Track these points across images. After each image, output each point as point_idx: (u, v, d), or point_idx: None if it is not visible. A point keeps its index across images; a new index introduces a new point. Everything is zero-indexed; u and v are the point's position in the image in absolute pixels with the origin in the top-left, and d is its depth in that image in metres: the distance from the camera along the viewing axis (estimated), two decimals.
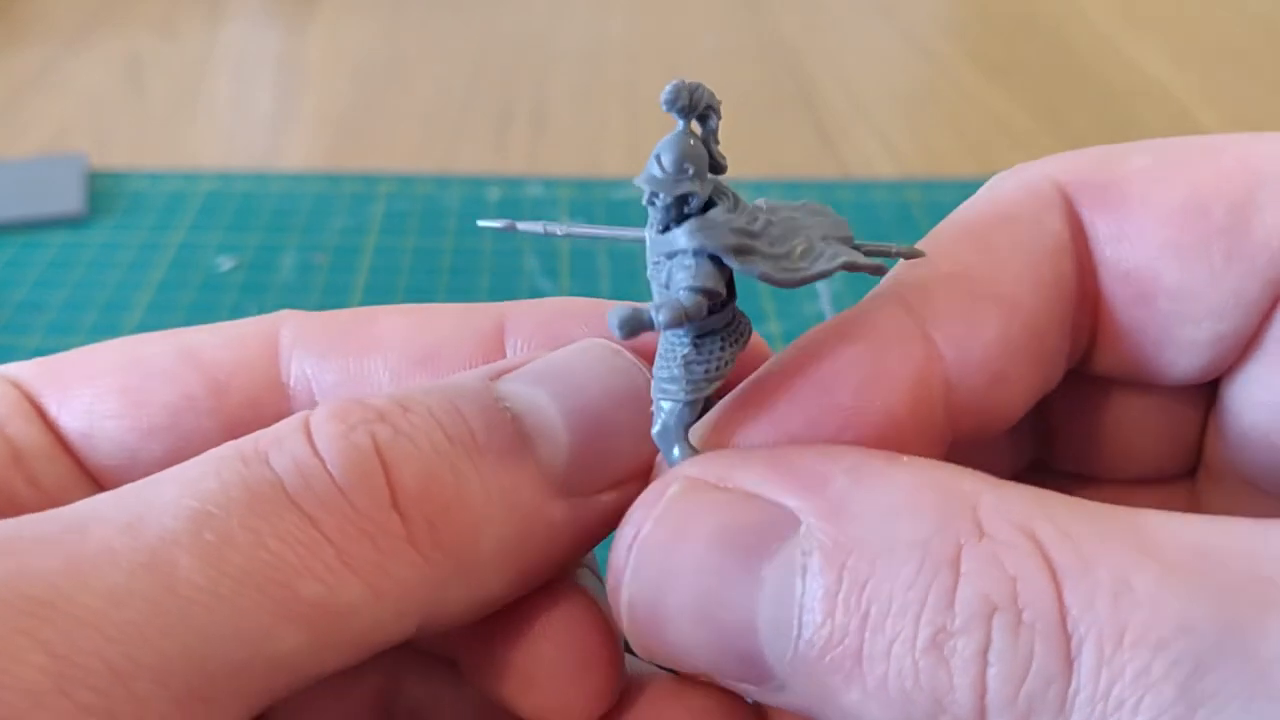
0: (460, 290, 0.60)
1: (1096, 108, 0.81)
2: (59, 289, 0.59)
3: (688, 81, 0.19)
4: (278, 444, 0.18)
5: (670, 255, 0.19)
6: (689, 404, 0.20)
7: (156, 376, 0.23)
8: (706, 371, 0.20)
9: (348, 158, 0.73)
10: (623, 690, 0.21)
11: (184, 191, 0.68)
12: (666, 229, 0.19)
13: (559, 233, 0.21)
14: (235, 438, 0.22)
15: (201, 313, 0.57)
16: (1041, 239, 0.22)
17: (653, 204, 0.19)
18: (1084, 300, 0.23)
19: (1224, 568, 0.16)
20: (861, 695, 0.17)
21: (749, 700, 0.20)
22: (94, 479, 0.23)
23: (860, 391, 0.20)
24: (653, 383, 0.20)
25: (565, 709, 0.20)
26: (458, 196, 0.68)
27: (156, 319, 0.57)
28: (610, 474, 0.21)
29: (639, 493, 0.21)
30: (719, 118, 0.19)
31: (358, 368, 0.23)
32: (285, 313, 0.24)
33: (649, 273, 0.20)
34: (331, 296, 0.59)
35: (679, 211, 0.19)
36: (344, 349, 0.23)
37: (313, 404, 0.23)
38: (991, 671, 0.16)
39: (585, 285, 0.60)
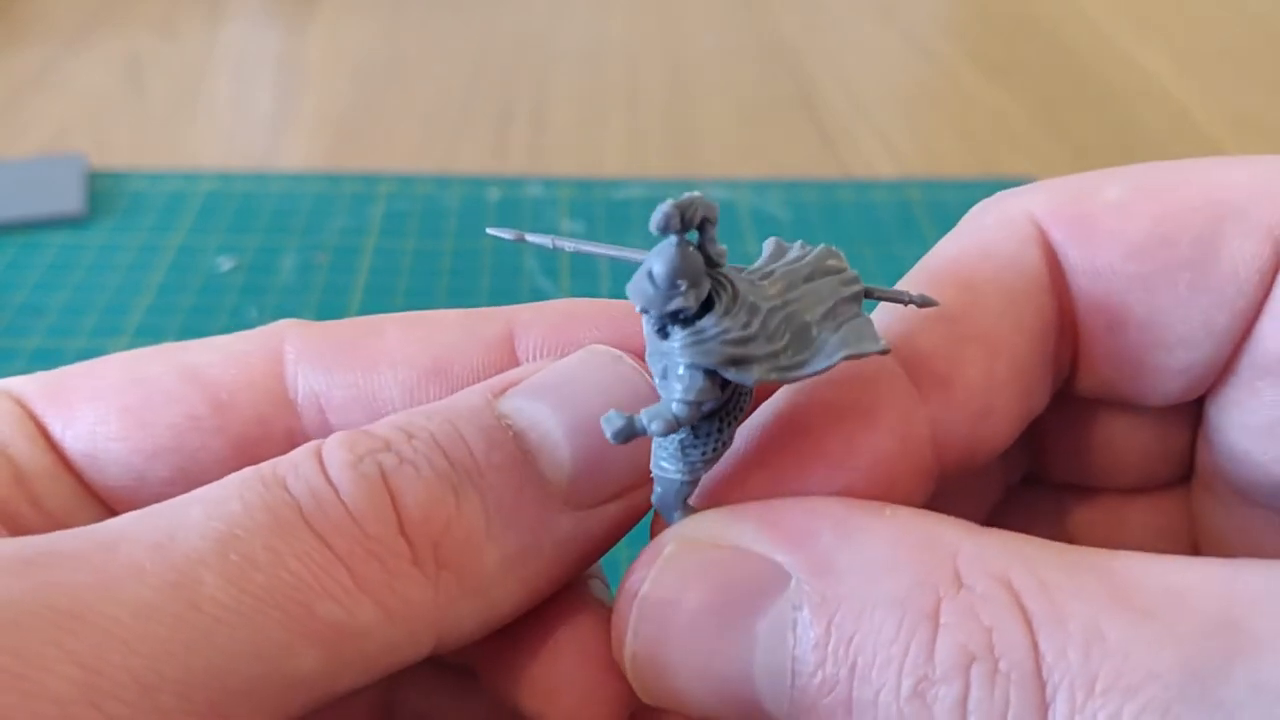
0: (461, 290, 0.60)
1: (1096, 108, 0.81)
2: (59, 289, 0.59)
3: (680, 200, 0.18)
4: (294, 470, 0.19)
5: (667, 353, 0.19)
6: (686, 482, 0.20)
7: (159, 397, 0.23)
8: (704, 454, 0.20)
9: (348, 158, 0.73)
10: None
11: (184, 192, 0.68)
12: (662, 330, 0.19)
13: (567, 248, 0.21)
14: (243, 455, 0.22)
15: (201, 314, 0.57)
16: (1021, 276, 0.23)
17: (646, 313, 0.18)
18: (1064, 330, 0.23)
19: (1194, 611, 0.16)
20: None
21: None
22: (100, 500, 0.23)
23: (848, 440, 0.21)
24: (651, 456, 0.20)
25: (589, 717, 0.21)
26: (458, 197, 0.68)
27: (156, 320, 0.57)
28: (614, 484, 0.21)
29: (644, 501, 0.21)
30: (714, 224, 0.18)
31: (367, 383, 0.23)
32: (286, 324, 0.24)
33: (646, 356, 0.20)
34: (331, 297, 0.59)
35: (673, 318, 0.18)
36: (351, 364, 0.23)
37: (323, 420, 0.23)
38: (971, 718, 0.17)
39: (585, 286, 0.60)
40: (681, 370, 0.18)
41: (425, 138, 0.76)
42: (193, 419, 0.23)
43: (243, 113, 0.79)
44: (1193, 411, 0.25)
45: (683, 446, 0.20)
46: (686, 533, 0.20)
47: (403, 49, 0.89)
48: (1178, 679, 0.16)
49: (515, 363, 0.23)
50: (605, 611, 0.21)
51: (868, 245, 0.63)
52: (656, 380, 0.19)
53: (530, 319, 0.23)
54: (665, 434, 0.18)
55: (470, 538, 0.19)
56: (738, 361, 0.18)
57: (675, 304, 0.18)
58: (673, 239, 0.18)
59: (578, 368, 0.22)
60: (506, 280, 0.60)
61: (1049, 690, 0.16)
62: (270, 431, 0.23)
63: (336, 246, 0.63)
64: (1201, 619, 0.16)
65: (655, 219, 0.17)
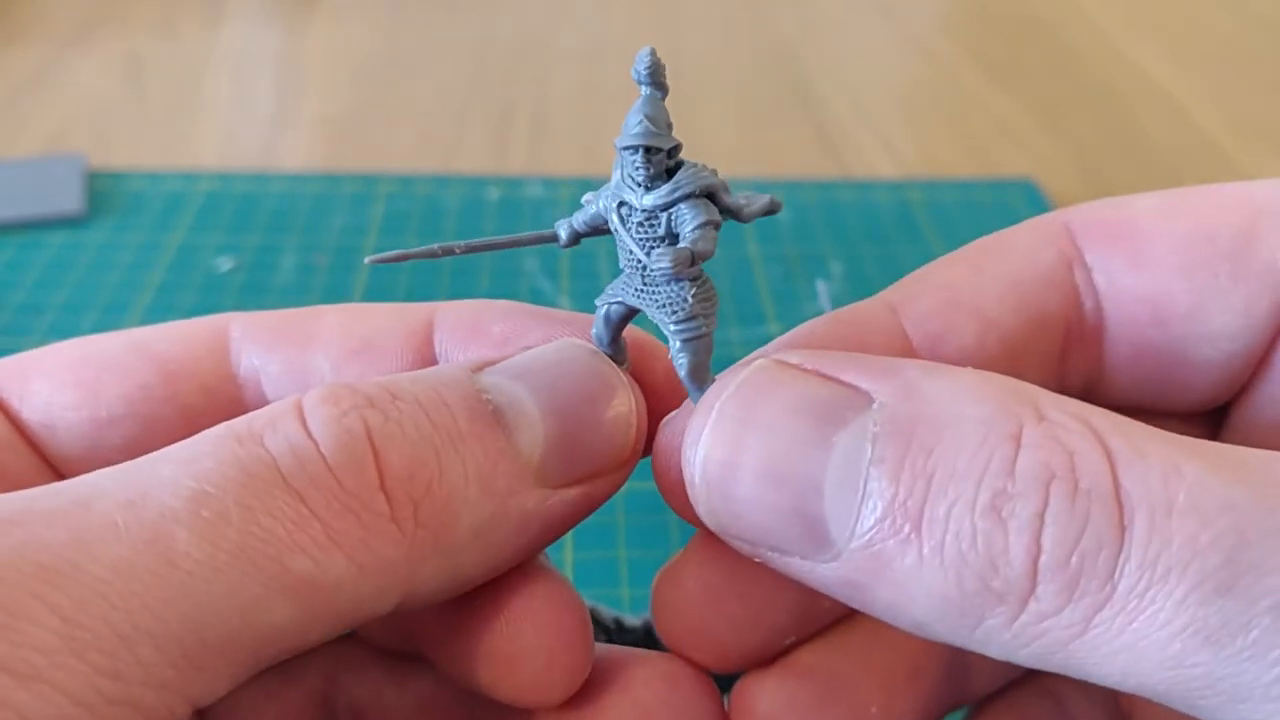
0: (461, 291, 0.60)
1: (1096, 108, 0.81)
2: (58, 289, 0.59)
3: (653, 53, 0.21)
4: (271, 425, 0.19)
5: (667, 207, 0.21)
6: (709, 336, 0.22)
7: (111, 369, 0.24)
8: (713, 305, 0.22)
9: (347, 158, 0.73)
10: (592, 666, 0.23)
11: (183, 192, 0.68)
12: (654, 183, 0.21)
13: (457, 251, 0.23)
14: (191, 424, 0.23)
15: (201, 313, 0.57)
16: (1031, 270, 0.24)
17: (649, 161, 0.20)
18: (1083, 332, 0.24)
19: (1260, 468, 0.17)
20: (917, 561, 0.18)
21: (793, 577, 0.20)
22: (55, 470, 0.24)
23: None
24: (674, 333, 0.21)
25: (544, 688, 0.22)
26: (458, 197, 0.68)
27: (156, 319, 0.57)
28: (580, 469, 0.22)
29: (606, 489, 0.22)
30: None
31: (300, 359, 0.25)
32: (233, 313, 0.26)
33: (629, 235, 0.21)
34: (331, 297, 0.59)
35: (664, 165, 0.21)
36: (288, 342, 0.25)
37: (259, 392, 0.25)
38: (1047, 533, 0.17)
39: (586, 284, 0.60)
40: (694, 203, 0.21)
41: (425, 138, 0.76)
42: (144, 389, 0.24)
43: (243, 113, 0.79)
44: (1210, 428, 0.26)
45: (699, 299, 0.21)
46: (774, 355, 0.20)
47: (403, 49, 0.89)
48: (1252, 510, 0.16)
49: (431, 344, 0.25)
50: (563, 583, 0.22)
51: (868, 245, 0.63)
52: (642, 252, 0.21)
53: (449, 311, 0.25)
54: (706, 258, 0.20)
55: (449, 500, 0.20)
56: (712, 194, 0.21)
57: (673, 141, 0.20)
58: (650, 93, 0.21)
59: (554, 356, 0.23)
60: (506, 281, 0.60)
61: (1127, 512, 0.17)
62: (216, 402, 0.24)
63: (336, 246, 0.63)
64: (1267, 474, 0.17)
65: (645, 65, 0.20)
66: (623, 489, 0.45)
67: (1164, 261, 0.23)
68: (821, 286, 0.58)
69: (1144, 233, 0.24)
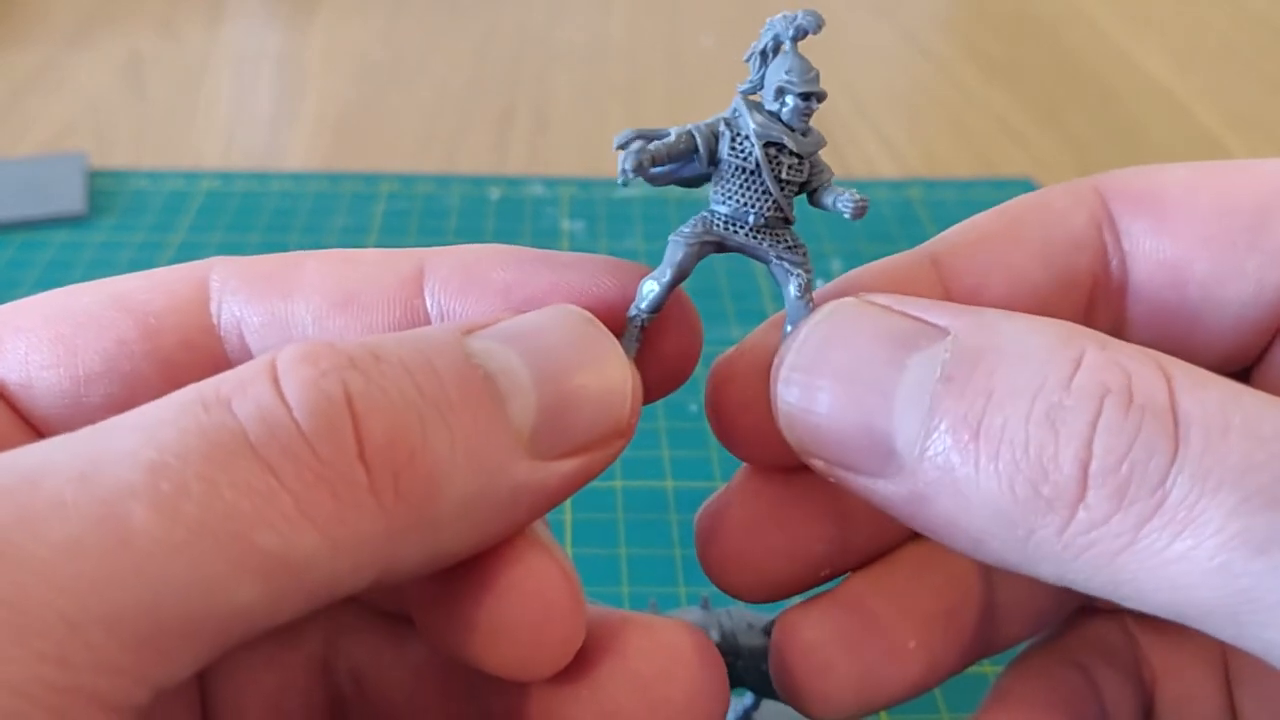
0: None
1: (1096, 108, 0.81)
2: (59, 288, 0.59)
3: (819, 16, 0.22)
4: (241, 389, 0.18)
5: (811, 154, 0.23)
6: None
7: (89, 324, 0.23)
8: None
9: (348, 157, 0.73)
10: (584, 640, 0.22)
11: (184, 191, 0.68)
12: (807, 132, 0.22)
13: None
14: (172, 379, 0.22)
15: None
16: (1063, 229, 0.25)
17: (814, 106, 0.22)
18: (1108, 290, 0.25)
19: None
20: (974, 470, 0.19)
21: (863, 496, 0.21)
22: (36, 430, 0.23)
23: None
24: (801, 270, 0.23)
25: (530, 662, 0.21)
26: (458, 196, 0.68)
27: None
28: (574, 440, 0.21)
29: (599, 463, 0.21)
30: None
31: (282, 310, 0.23)
32: (215, 259, 0.24)
33: (772, 175, 0.23)
34: None
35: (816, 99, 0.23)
36: (269, 292, 0.23)
37: (242, 345, 0.23)
38: (1098, 440, 0.18)
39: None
40: (820, 159, 0.23)
41: (426, 137, 0.76)
42: (122, 344, 0.23)
43: (243, 112, 0.79)
44: None
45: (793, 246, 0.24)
46: (863, 295, 0.22)
47: (403, 49, 0.89)
48: None
49: (421, 296, 0.23)
50: (551, 556, 0.21)
51: (868, 245, 0.63)
52: (781, 194, 0.23)
53: (441, 258, 0.24)
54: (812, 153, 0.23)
55: (433, 472, 0.19)
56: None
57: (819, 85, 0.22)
58: (792, 48, 0.23)
59: (548, 322, 0.22)
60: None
61: (1182, 428, 0.18)
62: (196, 356, 0.23)
63: (338, 245, 0.63)
64: None
65: (813, 21, 0.22)
66: (622, 489, 0.45)
67: (1186, 231, 0.24)
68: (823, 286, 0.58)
69: (1171, 202, 0.25)
